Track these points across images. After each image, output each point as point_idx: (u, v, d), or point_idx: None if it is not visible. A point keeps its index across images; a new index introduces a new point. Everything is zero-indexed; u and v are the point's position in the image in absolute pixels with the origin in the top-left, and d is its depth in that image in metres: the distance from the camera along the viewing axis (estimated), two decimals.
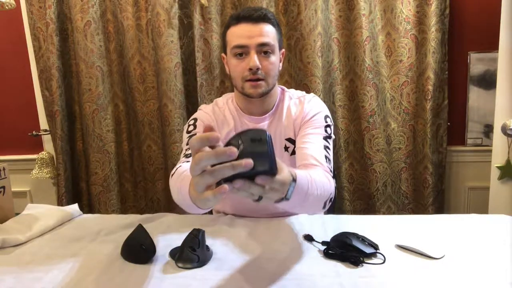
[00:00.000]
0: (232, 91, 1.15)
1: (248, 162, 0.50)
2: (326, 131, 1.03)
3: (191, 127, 1.04)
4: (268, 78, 1.00)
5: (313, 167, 0.91)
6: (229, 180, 0.52)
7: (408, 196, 1.80)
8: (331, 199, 0.86)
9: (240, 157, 0.50)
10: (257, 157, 0.51)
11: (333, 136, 1.06)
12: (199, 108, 1.17)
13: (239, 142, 0.52)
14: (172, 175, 0.88)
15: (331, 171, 0.95)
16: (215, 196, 0.52)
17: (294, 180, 0.65)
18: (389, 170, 1.79)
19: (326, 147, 0.99)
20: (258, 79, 0.99)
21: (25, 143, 2.05)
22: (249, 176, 0.52)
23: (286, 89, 1.14)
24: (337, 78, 1.74)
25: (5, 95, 2.04)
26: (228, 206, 1.16)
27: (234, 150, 0.50)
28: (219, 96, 1.23)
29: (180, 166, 0.89)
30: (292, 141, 1.07)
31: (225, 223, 1.05)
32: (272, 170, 0.53)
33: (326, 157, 0.96)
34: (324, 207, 0.84)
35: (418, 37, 1.69)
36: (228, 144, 0.53)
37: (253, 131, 0.53)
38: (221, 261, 0.82)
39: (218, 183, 0.53)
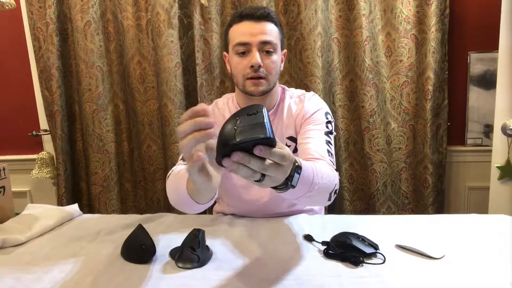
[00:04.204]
0: (233, 91, 1.15)
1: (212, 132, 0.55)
2: (327, 127, 1.03)
3: None
4: (269, 77, 1.00)
5: (316, 161, 0.91)
6: (228, 155, 0.53)
7: (408, 196, 1.80)
8: (335, 190, 0.86)
9: (237, 131, 0.52)
10: (254, 128, 0.52)
11: (334, 132, 1.06)
12: None
13: (236, 118, 0.53)
14: (169, 176, 0.88)
15: (333, 164, 0.95)
16: (193, 164, 0.56)
17: (300, 167, 0.66)
18: (389, 170, 1.79)
19: (328, 142, 0.99)
20: (260, 77, 0.99)
21: (25, 143, 2.05)
22: (248, 149, 0.53)
23: (286, 88, 1.15)
24: (337, 78, 1.74)
25: (5, 95, 2.04)
26: (229, 207, 1.16)
27: (203, 106, 0.56)
28: (219, 96, 1.23)
29: (176, 167, 0.89)
30: (293, 139, 1.07)
31: (225, 223, 1.05)
32: (269, 139, 0.52)
33: (328, 151, 0.96)
34: (329, 199, 0.84)
35: (418, 37, 1.69)
36: (226, 122, 0.54)
37: (249, 106, 0.55)
38: (221, 261, 0.82)
39: (219, 161, 0.55)
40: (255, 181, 0.57)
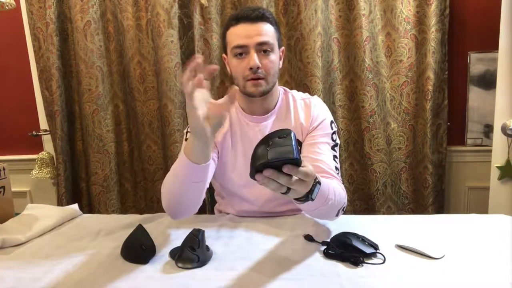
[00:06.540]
0: None
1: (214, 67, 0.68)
2: (332, 138, 1.07)
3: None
4: (268, 77, 1.01)
5: (329, 178, 0.95)
6: (260, 170, 0.63)
7: (408, 196, 1.80)
8: (343, 208, 0.94)
9: (269, 151, 0.62)
10: (284, 150, 0.62)
11: (338, 142, 1.09)
12: None
13: (269, 140, 0.63)
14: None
15: (341, 180, 1.01)
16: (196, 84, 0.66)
17: (319, 183, 0.75)
18: (389, 170, 1.79)
19: (334, 157, 1.04)
20: (259, 78, 1.00)
21: (25, 143, 2.05)
22: (278, 167, 0.62)
23: (288, 89, 1.16)
24: (337, 78, 1.74)
25: (5, 95, 2.04)
26: (230, 206, 1.16)
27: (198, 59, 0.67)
28: (220, 97, 1.23)
29: None
30: (299, 143, 1.09)
31: (225, 223, 1.05)
32: (296, 159, 0.62)
33: (336, 168, 1.01)
34: (337, 214, 0.92)
35: (418, 37, 1.69)
36: (260, 142, 0.64)
37: (280, 130, 0.65)
38: (221, 261, 0.82)
39: (252, 175, 0.64)
40: (282, 193, 0.67)
